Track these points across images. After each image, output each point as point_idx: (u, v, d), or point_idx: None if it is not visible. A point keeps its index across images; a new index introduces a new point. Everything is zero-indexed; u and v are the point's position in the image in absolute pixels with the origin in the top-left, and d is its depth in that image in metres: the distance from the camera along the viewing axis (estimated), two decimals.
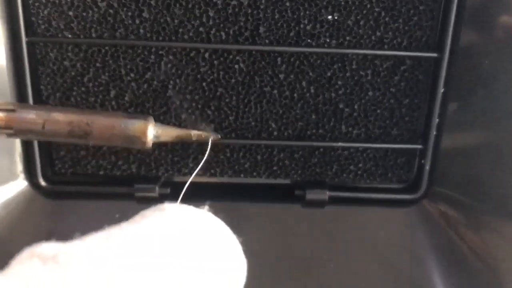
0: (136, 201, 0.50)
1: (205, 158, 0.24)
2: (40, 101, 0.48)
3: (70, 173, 0.51)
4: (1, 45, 0.45)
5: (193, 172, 0.24)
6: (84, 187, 0.51)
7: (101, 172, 0.51)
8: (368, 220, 0.52)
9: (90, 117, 0.21)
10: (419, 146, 0.50)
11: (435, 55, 0.47)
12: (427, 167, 0.50)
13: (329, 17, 0.46)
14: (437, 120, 0.49)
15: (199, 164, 0.51)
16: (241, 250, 0.26)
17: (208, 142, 0.24)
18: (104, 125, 0.22)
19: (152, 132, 0.22)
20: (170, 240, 0.21)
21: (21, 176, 0.50)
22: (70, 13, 0.46)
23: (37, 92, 0.48)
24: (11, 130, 0.21)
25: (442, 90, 0.48)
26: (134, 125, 0.22)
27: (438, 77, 0.48)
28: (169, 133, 0.23)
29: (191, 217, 0.23)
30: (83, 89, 0.48)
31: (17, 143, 0.48)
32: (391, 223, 0.52)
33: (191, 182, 0.53)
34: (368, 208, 0.52)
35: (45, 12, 0.45)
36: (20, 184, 0.50)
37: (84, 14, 0.46)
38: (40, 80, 0.47)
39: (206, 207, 0.23)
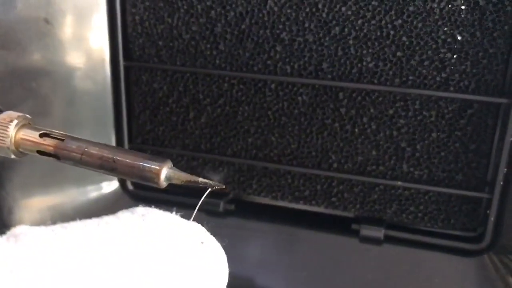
0: (205, 213, 0.56)
1: (202, 199, 0.28)
2: (133, 117, 0.56)
3: None
4: (106, 67, 0.54)
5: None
6: (162, 194, 0.58)
7: None
8: (425, 265, 0.50)
9: (117, 155, 0.27)
10: (485, 195, 0.48)
11: (505, 101, 0.45)
12: (492, 218, 0.47)
13: None
14: (505, 169, 0.46)
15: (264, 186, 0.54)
16: (217, 253, 0.28)
17: (209, 188, 0.29)
18: (127, 163, 0.27)
19: (165, 175, 0.27)
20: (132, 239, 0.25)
21: (115, 178, 0.58)
22: (160, 42, 0.53)
23: (130, 109, 0.56)
24: (57, 155, 0.28)
25: (511, 138, 0.45)
26: (150, 167, 0.27)
27: (507, 124, 0.45)
28: (180, 177, 0.28)
29: (161, 218, 0.26)
30: (167, 109, 0.55)
31: None
32: (449, 271, 0.49)
33: (255, 201, 0.57)
34: (426, 253, 0.50)
35: (140, 41, 0.53)
36: (113, 185, 0.58)
37: (171, 44, 0.52)
38: (133, 99, 0.56)
39: (173, 213, 0.27)
